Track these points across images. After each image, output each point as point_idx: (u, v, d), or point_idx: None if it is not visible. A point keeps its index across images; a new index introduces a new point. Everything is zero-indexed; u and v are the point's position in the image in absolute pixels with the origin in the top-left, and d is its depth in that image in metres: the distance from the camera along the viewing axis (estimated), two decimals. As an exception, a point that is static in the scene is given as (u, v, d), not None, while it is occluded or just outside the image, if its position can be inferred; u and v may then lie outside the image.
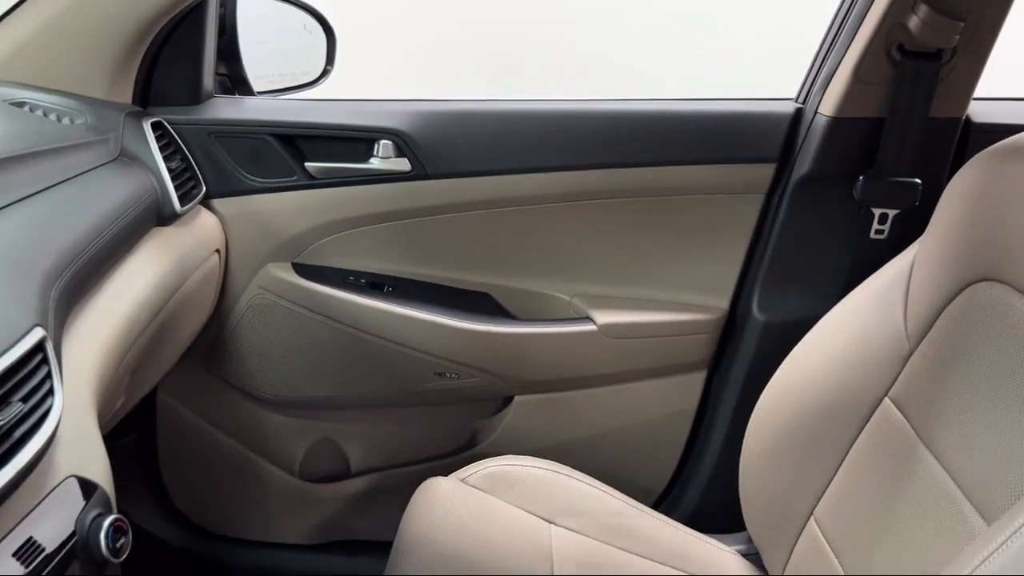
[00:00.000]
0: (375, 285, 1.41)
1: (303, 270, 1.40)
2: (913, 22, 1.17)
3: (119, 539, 0.73)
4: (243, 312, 1.40)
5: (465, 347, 1.40)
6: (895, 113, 1.23)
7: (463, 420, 1.52)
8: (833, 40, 1.30)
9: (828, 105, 1.27)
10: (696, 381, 1.46)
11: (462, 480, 1.24)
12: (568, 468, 1.30)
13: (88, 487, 0.74)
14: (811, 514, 1.12)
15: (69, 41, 1.17)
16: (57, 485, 0.71)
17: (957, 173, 1.01)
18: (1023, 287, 0.88)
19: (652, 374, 1.45)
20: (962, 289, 0.97)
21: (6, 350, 0.67)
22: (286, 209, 1.36)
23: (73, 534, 0.70)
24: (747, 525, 1.25)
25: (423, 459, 1.52)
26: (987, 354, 0.91)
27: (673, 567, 1.21)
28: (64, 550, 0.68)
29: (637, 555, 1.22)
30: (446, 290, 1.43)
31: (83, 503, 0.73)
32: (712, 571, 1.23)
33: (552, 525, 1.21)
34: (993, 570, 0.74)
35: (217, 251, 1.33)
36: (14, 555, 0.64)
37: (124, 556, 0.73)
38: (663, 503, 1.53)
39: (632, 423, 1.48)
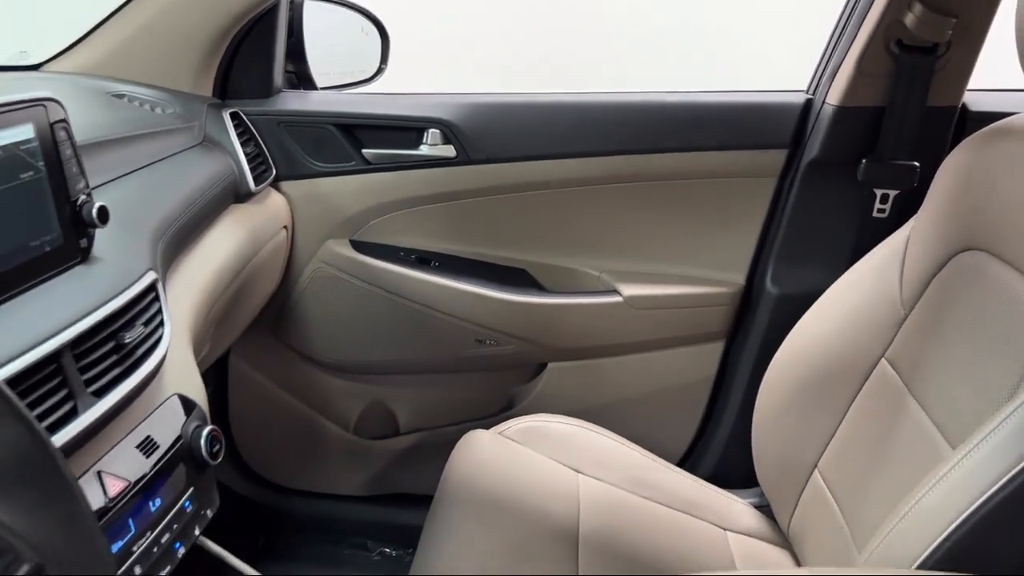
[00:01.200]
0: (423, 260, 1.56)
1: (360, 246, 1.55)
2: (909, 18, 1.28)
3: (215, 446, 0.88)
4: (306, 284, 1.56)
5: (503, 316, 1.54)
6: (894, 102, 1.34)
7: (501, 385, 1.66)
8: (839, 36, 1.41)
9: (834, 95, 1.39)
10: (715, 350, 1.58)
11: (500, 433, 1.38)
12: (596, 426, 1.42)
13: (188, 404, 0.90)
14: (815, 466, 1.23)
15: (161, 42, 1.34)
16: (166, 400, 0.87)
17: (948, 156, 1.12)
18: (1000, 254, 0.99)
19: (674, 343, 1.57)
20: (949, 258, 1.07)
21: (129, 286, 0.83)
22: (345, 191, 1.51)
23: (179, 438, 0.86)
24: (759, 480, 1.35)
25: (465, 420, 1.65)
26: (968, 314, 1.02)
27: (689, 514, 1.32)
28: (173, 449, 0.84)
29: (656, 502, 1.33)
30: (486, 265, 1.57)
31: (184, 416, 0.88)
32: (725, 519, 1.34)
33: (580, 475, 1.34)
34: (949, 485, 0.86)
35: (285, 227, 1.49)
36: (137, 447, 0.80)
37: (219, 460, 0.89)
38: (686, 463, 1.64)
39: (656, 388, 1.60)
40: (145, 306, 0.86)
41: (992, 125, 1.08)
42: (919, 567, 0.85)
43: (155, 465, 0.81)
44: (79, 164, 0.83)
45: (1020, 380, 0.88)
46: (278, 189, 1.50)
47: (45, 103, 0.79)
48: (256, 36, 1.43)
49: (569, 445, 1.37)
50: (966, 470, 0.86)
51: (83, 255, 0.83)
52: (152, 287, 0.88)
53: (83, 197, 0.83)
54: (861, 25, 1.34)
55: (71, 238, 0.82)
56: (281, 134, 1.47)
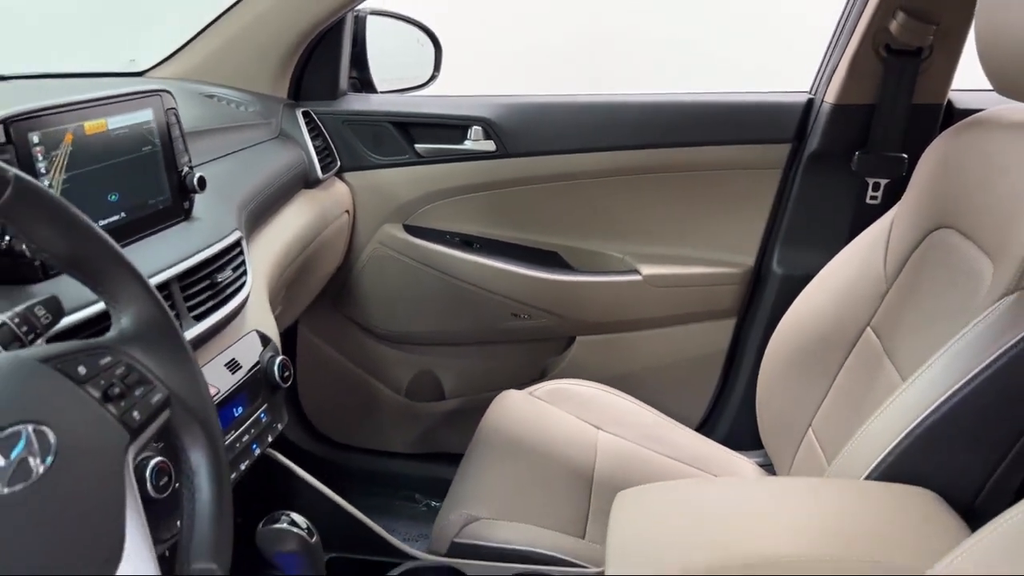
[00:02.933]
0: (467, 242, 1.75)
1: (412, 230, 1.75)
2: (894, 26, 1.42)
3: (285, 372, 1.08)
4: (365, 262, 1.77)
5: (536, 293, 1.72)
6: (883, 100, 1.49)
7: (535, 355, 1.83)
8: (835, 42, 1.56)
9: (831, 94, 1.54)
10: (727, 326, 1.73)
11: (530, 393, 1.55)
12: (617, 390, 1.58)
13: (264, 338, 1.10)
14: (810, 426, 1.37)
15: (245, 52, 1.56)
16: (247, 333, 1.08)
17: (928, 147, 1.26)
18: (964, 231, 1.12)
19: (690, 319, 1.73)
20: (925, 236, 1.21)
21: (220, 239, 1.04)
22: (400, 181, 1.72)
23: (257, 363, 1.06)
24: (763, 440, 1.49)
25: (502, 386, 1.83)
26: (935, 283, 1.16)
27: (693, 467, 1.47)
28: (253, 371, 1.04)
29: (667, 456, 1.48)
30: (521, 247, 1.75)
31: (261, 348, 1.09)
32: (726, 472, 1.48)
33: (599, 431, 1.50)
34: (892, 410, 1.01)
35: (347, 212, 1.70)
36: (225, 365, 1.00)
37: (288, 384, 1.09)
38: (703, 428, 1.79)
39: (674, 360, 1.76)
40: (232, 257, 1.06)
41: (965, 119, 1.22)
42: (866, 479, 1.00)
43: (239, 381, 1.01)
44: (184, 143, 1.04)
45: (961, 329, 1.02)
46: (342, 178, 1.70)
47: (161, 94, 1.00)
48: (325, 46, 1.64)
49: (592, 406, 1.54)
50: (906, 397, 1.01)
51: (186, 214, 1.05)
52: (238, 243, 1.09)
53: (187, 169, 1.04)
54: (853, 31, 1.49)
55: (177, 200, 1.03)
56: (345, 131, 1.68)
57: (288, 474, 1.20)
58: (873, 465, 0.99)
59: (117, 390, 0.60)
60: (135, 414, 0.60)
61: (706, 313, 1.72)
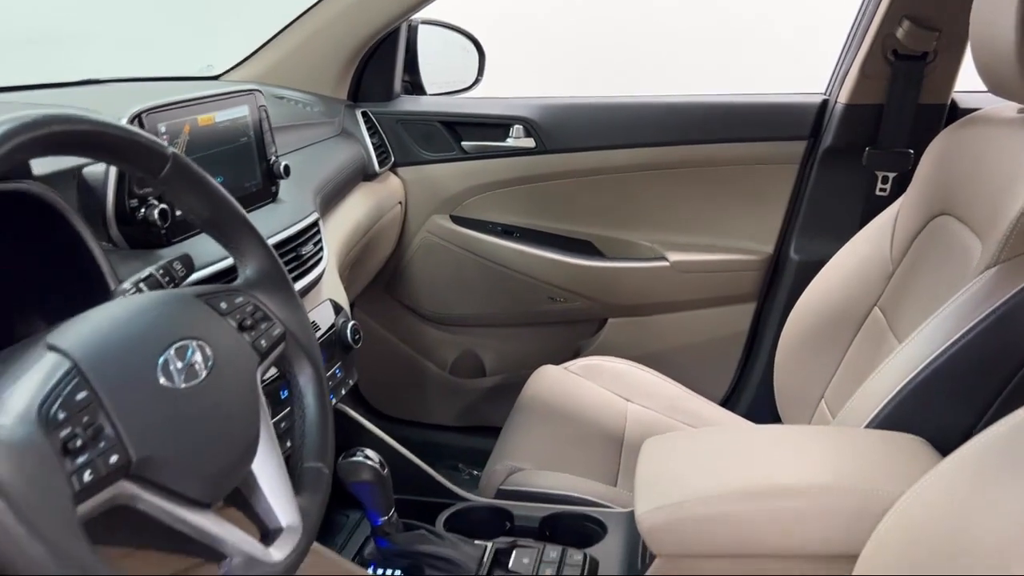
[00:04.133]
0: (508, 232, 1.90)
1: (458, 220, 1.90)
2: (900, 32, 1.55)
3: (355, 335, 1.24)
4: (415, 250, 1.92)
5: (571, 278, 1.86)
6: (891, 100, 1.61)
7: (570, 336, 1.98)
8: (848, 47, 1.69)
9: (844, 95, 1.67)
10: (748, 309, 1.86)
11: (565, 368, 1.70)
12: (646, 367, 1.72)
13: (337, 306, 1.26)
14: (822, 398, 1.50)
15: (311, 59, 1.72)
16: (323, 301, 1.23)
17: (931, 142, 1.39)
18: (960, 216, 1.25)
19: (714, 303, 1.86)
20: (927, 222, 1.34)
21: (302, 219, 1.20)
22: (447, 175, 1.87)
23: (332, 326, 1.21)
24: (780, 414, 1.62)
25: (539, 365, 1.98)
26: (934, 264, 1.28)
27: None
28: (328, 333, 1.20)
29: (689, 425, 1.62)
30: (558, 236, 1.89)
31: (335, 314, 1.24)
32: None
33: (629, 402, 1.63)
34: (888, 368, 1.14)
35: (400, 203, 1.86)
36: (307, 326, 1.16)
37: (359, 345, 1.24)
38: (727, 403, 1.91)
39: (699, 340, 1.89)
40: (312, 234, 1.22)
41: (963, 118, 1.34)
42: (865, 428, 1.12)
43: (317, 342, 1.17)
44: (272, 135, 1.20)
45: (951, 294, 1.14)
46: (395, 173, 1.86)
47: (254, 93, 1.16)
48: (381, 53, 1.80)
49: (622, 380, 1.67)
50: (901, 357, 1.14)
51: (273, 197, 1.21)
52: (315, 223, 1.24)
53: (274, 158, 1.20)
54: (864, 38, 1.62)
55: (266, 185, 1.19)
56: (399, 129, 1.84)
57: (358, 425, 1.35)
58: (871, 417, 1.11)
59: (248, 322, 0.75)
60: (262, 342, 0.76)
61: (729, 297, 1.85)
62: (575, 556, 1.11)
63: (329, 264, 1.29)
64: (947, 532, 0.80)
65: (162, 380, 0.64)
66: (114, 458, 0.57)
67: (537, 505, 1.25)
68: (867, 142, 1.67)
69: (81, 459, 0.55)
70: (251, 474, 0.71)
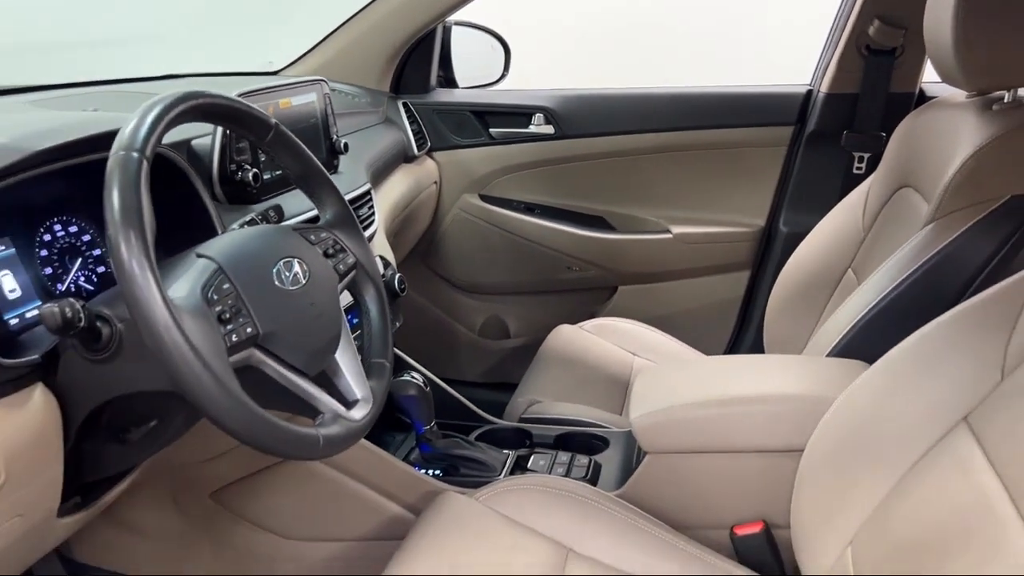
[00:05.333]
0: (530, 208, 2.13)
1: (486, 199, 2.14)
2: (871, 30, 1.76)
3: (402, 285, 1.47)
4: (448, 225, 2.16)
5: (585, 249, 2.09)
6: (865, 90, 1.82)
7: (584, 302, 2.20)
8: (828, 43, 1.90)
9: (824, 85, 1.88)
10: (743, 276, 2.07)
11: (580, 327, 1.92)
12: (653, 327, 1.94)
13: (386, 262, 1.49)
14: (805, 345, 1.71)
15: (359, 56, 1.97)
16: (375, 256, 1.47)
17: (897, 127, 1.59)
18: (916, 187, 1.45)
19: (712, 271, 2.08)
20: (892, 195, 1.55)
21: (359, 187, 1.44)
22: (477, 159, 2.10)
23: (383, 276, 1.45)
24: None
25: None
26: (894, 229, 1.49)
27: None
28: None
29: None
30: (574, 213, 2.12)
31: (383, 268, 1.48)
32: None
33: (635, 356, 1.85)
34: (850, 302, 1.35)
35: (435, 183, 2.10)
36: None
37: (404, 293, 1.47)
38: (721, 364, 2.13)
39: (699, 304, 2.11)
40: (366, 200, 1.46)
41: (923, 104, 1.55)
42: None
43: (371, 288, 1.41)
44: (334, 118, 1.44)
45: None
46: (431, 156, 2.10)
47: (321, 82, 1.41)
48: (419, 51, 2.04)
49: (630, 337, 1.90)
50: (857, 296, 1.35)
51: (334, 169, 1.45)
52: (368, 192, 1.49)
53: (335, 137, 1.44)
54: (841, 35, 1.83)
55: (329, 159, 1.43)
56: (434, 118, 2.08)
57: (402, 361, 1.59)
58: (830, 347, 1.33)
59: (330, 252, 0.99)
60: (340, 267, 1.00)
61: (725, 265, 2.07)
62: (582, 460, 1.35)
63: (379, 226, 1.53)
64: (867, 423, 1.02)
65: (276, 282, 0.88)
66: (249, 329, 0.82)
67: (552, 427, 1.49)
68: (845, 126, 1.88)
69: (229, 327, 0.80)
70: (335, 361, 0.95)
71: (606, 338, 1.88)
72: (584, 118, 2.03)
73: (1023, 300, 0.89)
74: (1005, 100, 1.30)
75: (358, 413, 0.93)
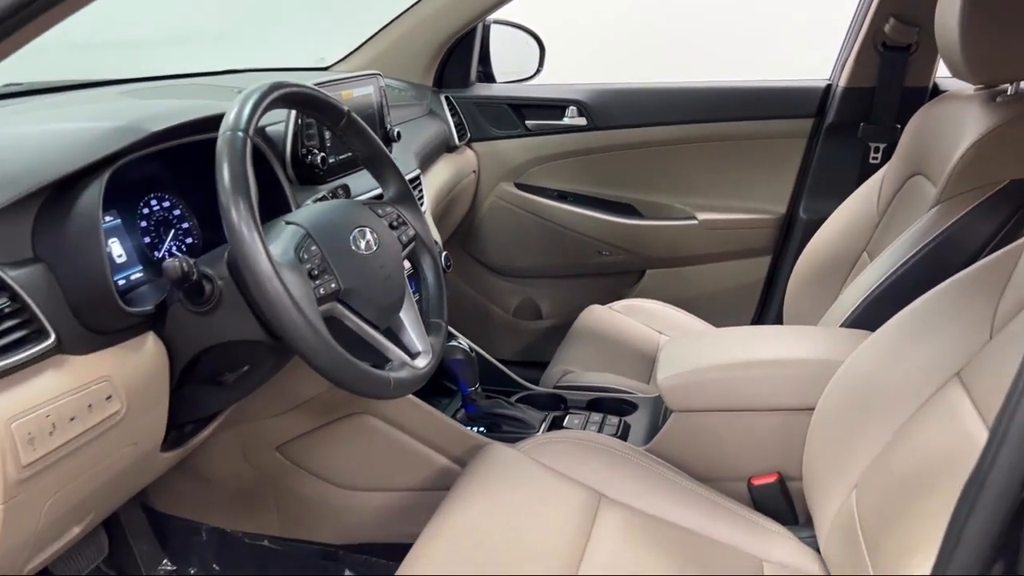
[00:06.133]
0: (563, 196, 2.25)
1: (521, 187, 2.26)
2: (888, 28, 1.86)
3: (448, 261, 1.60)
4: (485, 212, 2.28)
5: (616, 234, 2.21)
6: (881, 84, 1.92)
7: (613, 285, 2.32)
8: (847, 41, 2.01)
9: (843, 80, 1.98)
10: (765, 261, 2.18)
11: (610, 307, 2.04)
12: (678, 308, 2.05)
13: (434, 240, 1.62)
14: (820, 319, 1.81)
15: (406, 52, 2.10)
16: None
17: (911, 119, 1.69)
18: (926, 174, 1.55)
19: (735, 255, 2.19)
20: (904, 182, 1.65)
21: (411, 172, 1.57)
22: (513, 149, 2.23)
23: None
24: None
25: (588, 309, 2.33)
26: (905, 215, 1.59)
27: None
28: (429, 258, 1.56)
29: (713, 351, 1.94)
30: (604, 200, 2.24)
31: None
32: None
33: (661, 334, 1.96)
34: (861, 278, 1.46)
35: (474, 172, 2.22)
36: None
37: (450, 269, 1.60)
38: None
39: (723, 287, 2.22)
40: (415, 184, 1.59)
41: (935, 98, 1.65)
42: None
43: (420, 264, 1.54)
44: (387, 109, 1.57)
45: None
46: (470, 147, 2.23)
47: (377, 76, 1.54)
48: (460, 47, 2.17)
49: (657, 317, 2.01)
50: (868, 272, 1.46)
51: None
52: (418, 177, 1.61)
53: (389, 126, 1.57)
54: (859, 33, 1.93)
55: (386, 145, 1.56)
56: (473, 110, 2.20)
57: (451, 333, 1.72)
58: (843, 319, 1.44)
59: (394, 224, 1.12)
60: (403, 238, 1.13)
61: (748, 250, 2.18)
62: (612, 420, 1.47)
63: (427, 208, 1.66)
64: (870, 382, 1.13)
65: (352, 247, 1.01)
66: (332, 285, 0.95)
67: (585, 393, 1.61)
68: (862, 119, 1.98)
69: (317, 282, 0.93)
70: (400, 318, 1.08)
71: (634, 317, 1.99)
72: (615, 111, 2.14)
73: (1011, 268, 1.00)
74: (1008, 92, 1.40)
75: (421, 362, 1.06)
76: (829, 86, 2.04)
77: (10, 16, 0.63)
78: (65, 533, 0.99)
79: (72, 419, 0.86)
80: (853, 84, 1.97)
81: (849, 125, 2.00)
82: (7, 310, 0.81)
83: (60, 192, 0.91)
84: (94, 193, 0.91)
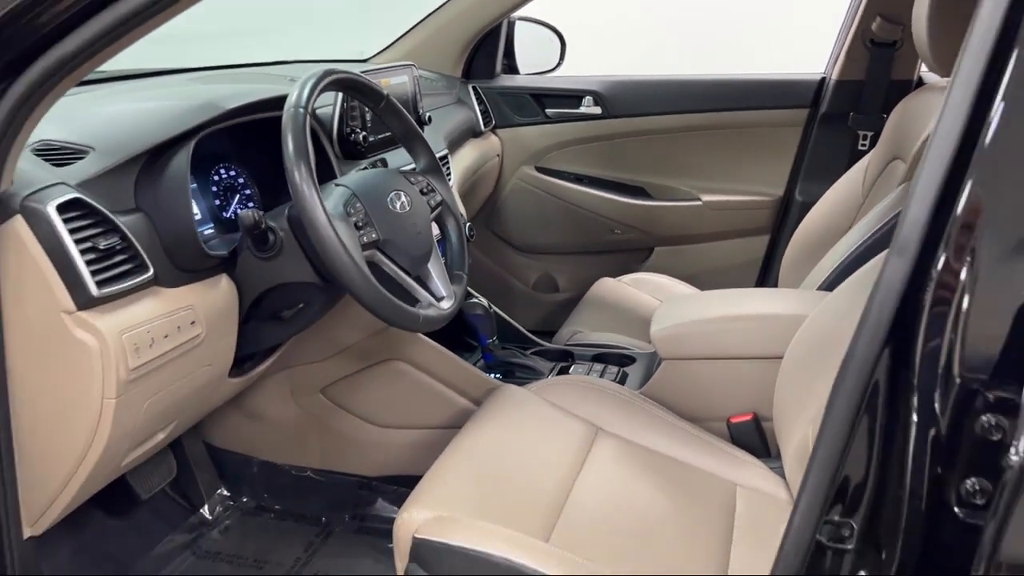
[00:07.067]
0: (579, 179, 2.44)
1: (541, 170, 2.45)
2: (874, 26, 2.02)
3: (472, 231, 1.79)
4: (508, 193, 2.48)
5: (627, 214, 2.39)
6: (869, 78, 2.09)
7: (625, 261, 2.50)
8: (839, 37, 2.17)
9: (836, 73, 2.15)
10: (763, 240, 2.35)
11: (619, 280, 2.22)
12: (683, 281, 2.23)
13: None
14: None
15: (437, 45, 2.29)
16: (450, 207, 1.80)
17: (895, 106, 1.86)
18: (903, 158, 1.71)
19: (736, 234, 2.36)
20: (885, 167, 1.81)
21: (441, 151, 1.76)
22: (534, 135, 2.42)
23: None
24: None
25: (601, 283, 2.51)
26: (884, 196, 1.76)
27: None
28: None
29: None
30: (617, 183, 2.42)
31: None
32: None
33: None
34: (839, 243, 1.64)
35: (498, 155, 2.42)
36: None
37: (473, 239, 1.80)
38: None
39: (725, 264, 2.39)
40: (444, 163, 1.79)
41: (917, 89, 1.82)
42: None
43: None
44: (420, 96, 1.77)
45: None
46: (495, 133, 2.42)
47: (412, 66, 1.74)
48: (487, 42, 2.36)
49: (662, 289, 2.19)
50: (844, 241, 1.63)
51: (420, 137, 1.78)
52: (446, 156, 1.81)
53: (421, 111, 1.77)
54: (849, 30, 2.10)
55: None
56: (498, 99, 2.40)
57: (470, 293, 1.92)
58: (820, 282, 1.62)
59: (424, 191, 1.33)
60: (431, 202, 1.33)
61: (748, 229, 2.35)
62: (613, 369, 1.66)
63: (454, 185, 1.86)
64: (828, 333, 1.31)
65: (390, 207, 1.21)
66: (373, 236, 1.15)
67: (591, 348, 1.80)
68: (852, 109, 2.14)
69: (361, 232, 1.13)
70: (427, 268, 1.29)
71: (641, 289, 2.18)
72: (627, 101, 2.32)
73: None
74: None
75: (445, 304, 1.26)
76: (823, 79, 2.20)
77: (135, 15, 0.83)
78: (153, 437, 1.20)
79: (165, 336, 1.07)
80: (844, 77, 2.13)
81: (840, 115, 2.16)
82: (118, 247, 1.02)
83: (155, 156, 1.12)
84: (183, 158, 1.12)
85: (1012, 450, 0.60)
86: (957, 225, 0.65)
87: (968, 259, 0.65)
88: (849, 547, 0.74)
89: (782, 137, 2.26)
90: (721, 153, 2.32)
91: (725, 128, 2.29)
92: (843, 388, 0.72)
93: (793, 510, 0.76)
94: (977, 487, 0.65)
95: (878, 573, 0.71)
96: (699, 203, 2.34)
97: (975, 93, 0.66)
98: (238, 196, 1.41)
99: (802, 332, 1.36)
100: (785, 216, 2.31)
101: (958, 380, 0.65)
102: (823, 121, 2.20)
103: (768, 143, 2.27)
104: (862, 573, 0.73)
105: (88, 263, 0.97)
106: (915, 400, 0.67)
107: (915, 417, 0.67)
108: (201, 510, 1.72)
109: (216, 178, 1.38)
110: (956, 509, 0.66)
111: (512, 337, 1.89)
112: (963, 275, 0.65)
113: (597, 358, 1.76)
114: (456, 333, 1.79)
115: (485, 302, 1.64)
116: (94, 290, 0.97)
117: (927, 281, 0.66)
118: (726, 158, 2.32)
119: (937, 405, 0.66)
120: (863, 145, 2.15)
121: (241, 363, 1.32)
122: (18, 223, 0.94)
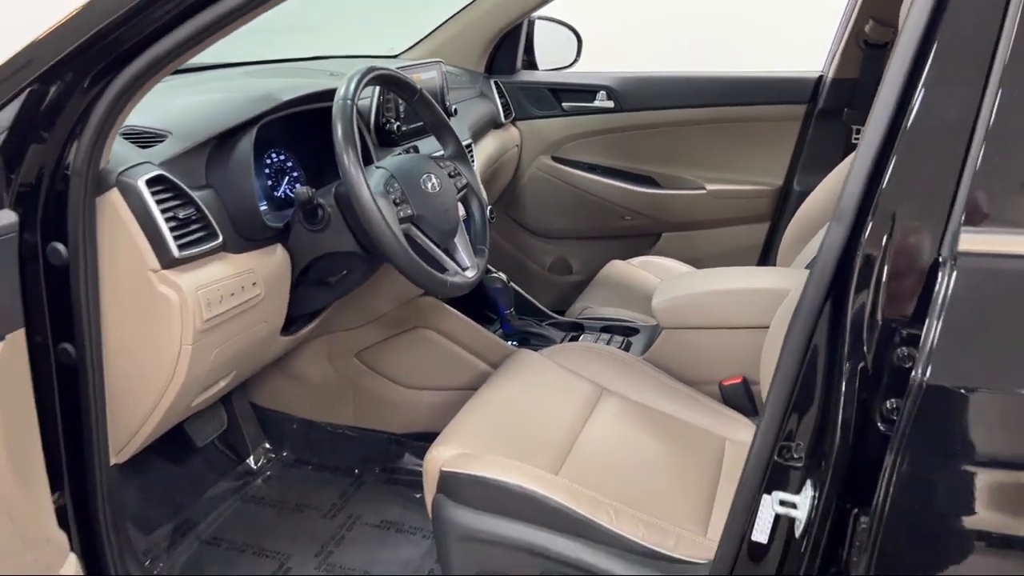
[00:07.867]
0: (592, 168, 2.59)
1: (557, 160, 2.61)
2: (868, 28, 2.16)
3: (491, 214, 1.96)
4: (526, 181, 2.64)
5: (637, 202, 2.55)
6: (863, 76, 2.23)
7: (634, 246, 2.65)
8: (835, 38, 2.31)
9: (832, 72, 2.29)
10: (763, 227, 2.50)
11: (628, 262, 2.38)
12: (687, 264, 2.38)
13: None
14: None
15: (463, 42, 2.45)
16: (473, 192, 1.97)
17: None
18: None
19: (738, 221, 2.51)
20: None
21: (464, 140, 1.93)
22: (551, 127, 2.58)
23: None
24: None
25: (612, 266, 2.67)
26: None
27: None
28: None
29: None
30: (628, 172, 2.57)
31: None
32: None
33: (671, 284, 2.30)
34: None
35: (517, 146, 2.58)
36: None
37: (493, 221, 1.96)
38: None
39: (727, 249, 2.54)
40: (469, 149, 1.95)
41: None
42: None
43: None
44: (447, 89, 1.94)
45: None
46: (515, 125, 2.58)
47: (440, 62, 1.90)
48: (508, 38, 2.52)
49: (668, 271, 2.33)
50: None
51: (447, 127, 1.95)
52: (470, 144, 1.98)
53: (448, 103, 1.94)
54: (844, 31, 2.24)
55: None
56: (518, 93, 2.56)
57: (490, 269, 2.09)
58: (808, 261, 1.77)
59: (451, 174, 1.49)
60: (458, 184, 1.50)
61: (749, 217, 2.50)
62: (618, 338, 1.83)
63: (477, 171, 2.03)
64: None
65: (422, 187, 1.38)
66: (409, 211, 1.32)
67: (599, 321, 1.97)
68: (846, 105, 2.29)
69: (398, 207, 1.30)
70: (454, 242, 1.45)
71: (649, 270, 2.33)
72: (638, 96, 2.48)
73: None
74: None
75: (469, 273, 1.43)
76: (820, 77, 2.34)
77: (219, 21, 1.00)
78: (216, 384, 1.38)
79: (232, 295, 1.24)
80: (840, 76, 2.27)
81: (836, 110, 2.31)
82: (194, 217, 1.20)
83: (223, 141, 1.30)
84: (247, 142, 1.29)
85: (914, 372, 0.76)
86: (883, 197, 0.82)
87: (889, 225, 0.81)
88: (799, 465, 0.90)
89: (782, 131, 2.41)
90: (725, 145, 2.47)
91: (729, 122, 2.44)
92: (794, 332, 0.88)
93: (754, 436, 0.92)
94: (895, 406, 0.81)
95: (819, 481, 0.87)
96: (704, 192, 2.49)
97: (902, 85, 0.82)
98: (287, 178, 1.58)
99: (786, 302, 1.52)
100: (784, 204, 2.46)
101: (880, 322, 0.81)
102: (820, 116, 2.34)
103: (769, 136, 2.42)
104: (808, 483, 0.89)
105: (171, 229, 1.14)
106: (848, 339, 0.84)
107: (848, 353, 0.84)
108: (247, 461, 1.91)
109: (268, 161, 1.56)
110: (879, 425, 0.83)
111: (528, 310, 2.06)
112: (884, 240, 0.81)
113: (605, 329, 1.93)
114: (477, 305, 1.96)
115: (504, 277, 1.81)
116: (175, 252, 1.14)
117: (858, 244, 0.83)
118: (729, 150, 2.47)
119: (864, 343, 0.83)
120: (857, 139, 2.29)
121: (290, 325, 1.50)
122: (114, 195, 1.12)
